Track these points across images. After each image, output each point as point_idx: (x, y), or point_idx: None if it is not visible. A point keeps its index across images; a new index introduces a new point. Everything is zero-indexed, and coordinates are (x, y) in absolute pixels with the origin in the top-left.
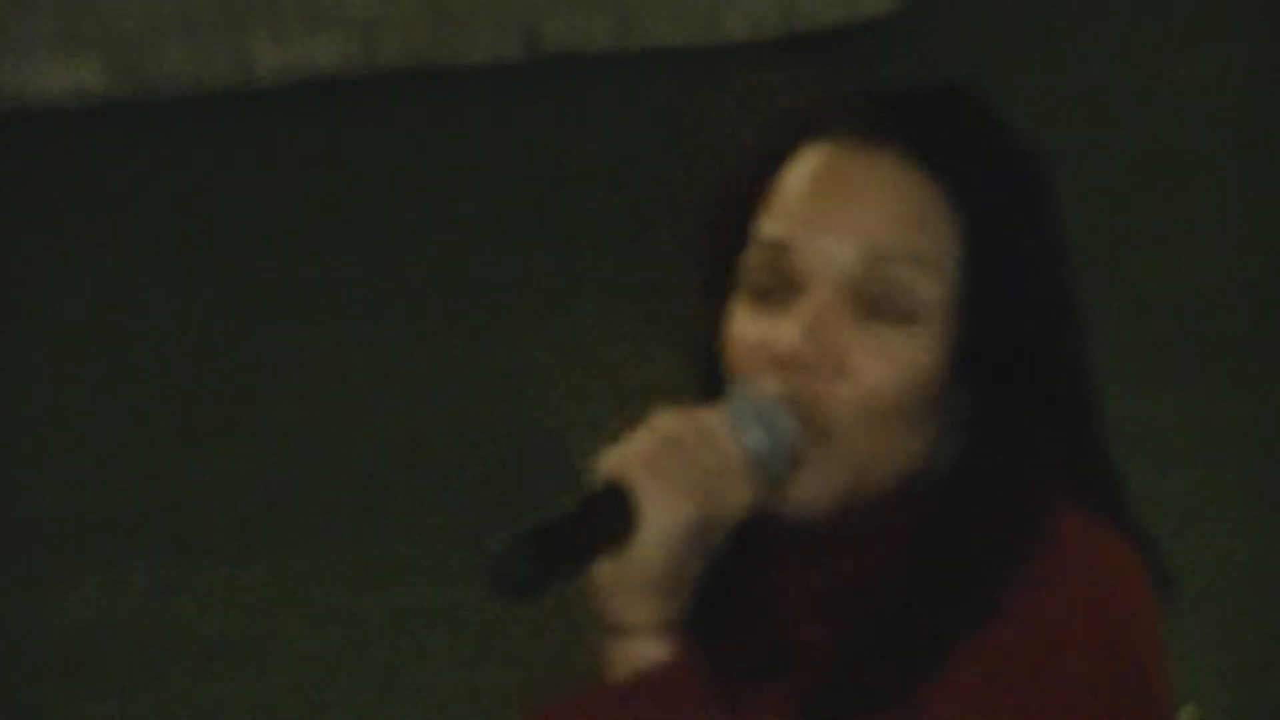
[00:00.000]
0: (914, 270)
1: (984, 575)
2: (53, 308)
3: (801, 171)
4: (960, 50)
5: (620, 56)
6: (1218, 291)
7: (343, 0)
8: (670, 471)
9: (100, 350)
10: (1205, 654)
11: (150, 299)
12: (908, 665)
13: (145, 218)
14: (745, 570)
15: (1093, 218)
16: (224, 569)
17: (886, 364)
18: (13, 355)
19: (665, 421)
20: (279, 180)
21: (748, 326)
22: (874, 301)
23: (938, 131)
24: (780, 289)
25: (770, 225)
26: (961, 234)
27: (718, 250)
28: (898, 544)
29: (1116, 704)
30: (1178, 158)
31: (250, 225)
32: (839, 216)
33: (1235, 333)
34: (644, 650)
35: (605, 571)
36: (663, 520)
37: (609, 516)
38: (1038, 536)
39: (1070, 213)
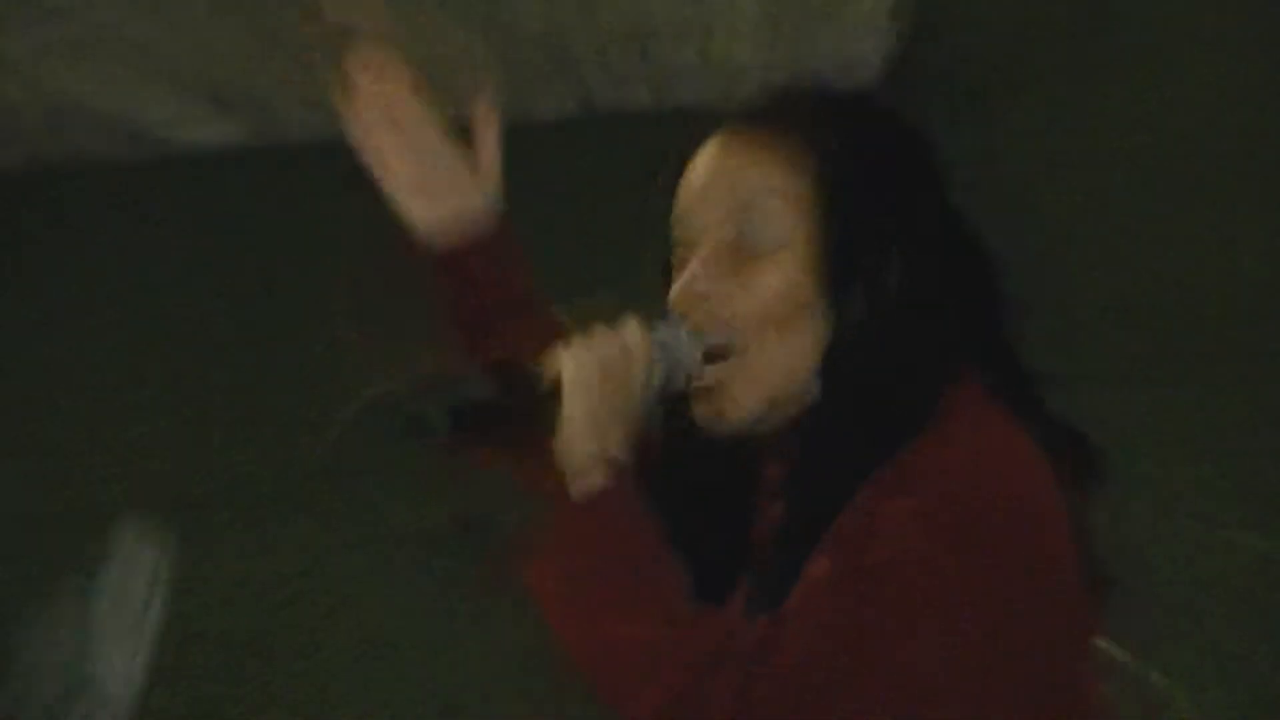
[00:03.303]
0: (769, 214)
1: (857, 470)
2: (54, 304)
3: (689, 165)
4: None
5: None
6: (1224, 291)
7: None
8: (591, 378)
9: (100, 346)
10: (1208, 649)
11: (149, 293)
12: (795, 559)
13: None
14: (722, 487)
15: (1092, 232)
16: (228, 565)
17: (756, 288)
18: (13, 352)
19: (600, 340)
20: (280, 178)
21: (670, 291)
22: (743, 243)
23: (794, 109)
24: (684, 258)
25: (673, 214)
26: (812, 181)
27: (667, 243)
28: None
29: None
30: (1181, 176)
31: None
32: (702, 191)
33: (1241, 330)
34: (590, 481)
35: (557, 439)
36: (574, 409)
37: (544, 402)
38: (903, 437)
39: (1069, 224)
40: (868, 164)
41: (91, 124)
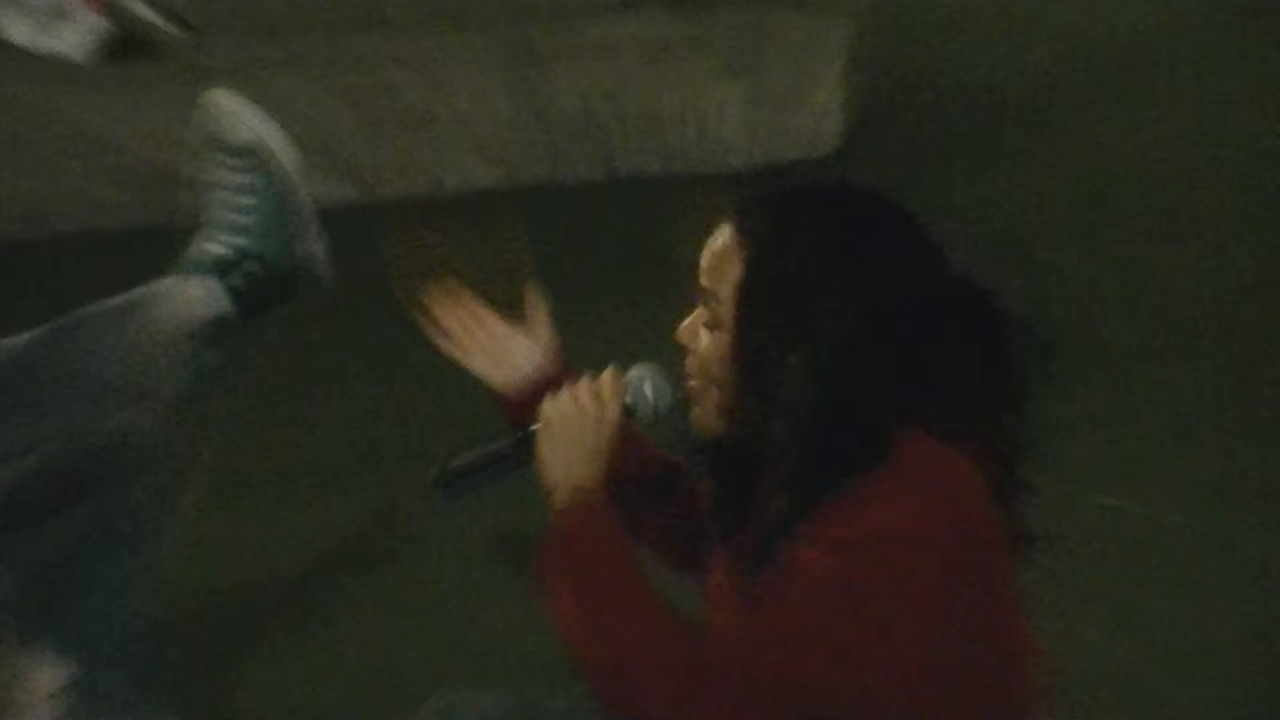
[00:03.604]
0: (714, 295)
1: (817, 490)
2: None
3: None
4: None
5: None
6: (1224, 291)
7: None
8: (559, 425)
9: None
10: (1208, 649)
11: None
12: (771, 546)
13: None
14: (723, 485)
15: (1092, 232)
16: (228, 564)
17: (708, 348)
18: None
19: (575, 392)
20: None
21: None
22: (707, 315)
23: (746, 209)
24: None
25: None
26: (740, 270)
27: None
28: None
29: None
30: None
31: None
32: (701, 264)
33: (1242, 330)
34: (564, 507)
35: (539, 467)
36: (545, 451)
37: (521, 450)
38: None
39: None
40: (779, 265)
41: None
